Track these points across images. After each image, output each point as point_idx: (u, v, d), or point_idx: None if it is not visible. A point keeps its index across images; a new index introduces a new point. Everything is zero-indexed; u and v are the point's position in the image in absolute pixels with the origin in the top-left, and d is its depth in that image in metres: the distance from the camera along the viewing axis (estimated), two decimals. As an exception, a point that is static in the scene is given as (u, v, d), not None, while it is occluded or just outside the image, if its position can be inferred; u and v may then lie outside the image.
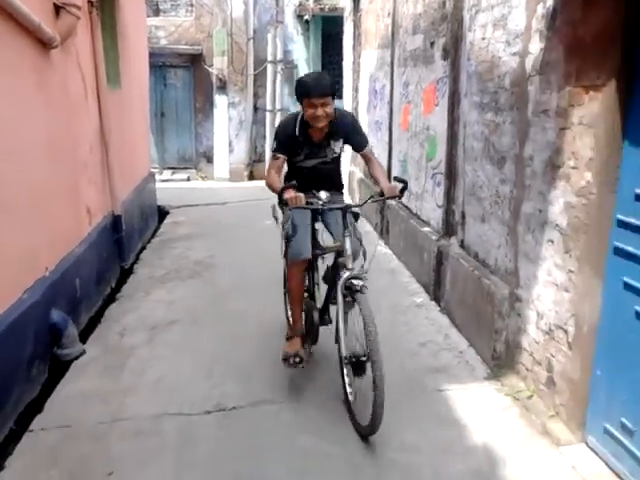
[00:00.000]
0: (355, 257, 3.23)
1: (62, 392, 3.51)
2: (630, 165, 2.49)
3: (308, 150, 3.41)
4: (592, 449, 2.80)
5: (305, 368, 3.47)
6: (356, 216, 3.40)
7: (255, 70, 11.70)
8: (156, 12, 11.80)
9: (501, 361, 3.61)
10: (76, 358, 3.92)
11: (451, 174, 4.49)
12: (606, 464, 2.69)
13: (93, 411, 3.27)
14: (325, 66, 11.48)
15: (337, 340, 3.19)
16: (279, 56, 11.51)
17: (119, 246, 5.70)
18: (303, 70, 11.84)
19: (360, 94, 8.35)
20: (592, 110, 2.63)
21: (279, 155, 3.37)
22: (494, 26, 3.62)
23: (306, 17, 11.29)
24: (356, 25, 8.28)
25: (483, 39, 3.80)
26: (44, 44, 3.89)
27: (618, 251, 2.58)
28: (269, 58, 11.50)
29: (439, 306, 4.66)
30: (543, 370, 3.16)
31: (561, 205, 2.90)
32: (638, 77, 2.45)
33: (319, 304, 3.59)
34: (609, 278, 2.64)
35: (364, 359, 2.90)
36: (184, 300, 5.01)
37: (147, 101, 8.18)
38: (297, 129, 3.32)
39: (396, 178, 3.32)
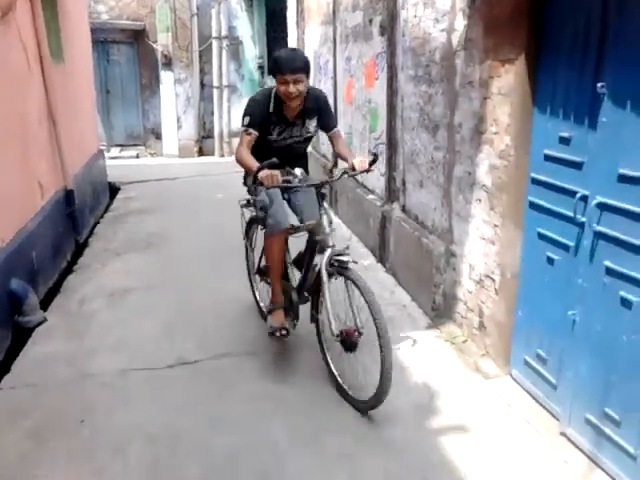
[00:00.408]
0: (314, 218, 3.24)
1: (27, 356, 3.68)
2: (539, 129, 2.85)
3: (281, 128, 3.33)
4: (515, 380, 3.21)
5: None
6: (323, 196, 3.26)
7: (200, 46, 11.69)
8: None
9: (440, 312, 3.98)
10: (38, 325, 4.08)
11: (391, 144, 4.80)
12: (526, 391, 3.09)
13: (59, 370, 3.47)
14: (270, 42, 11.58)
15: (314, 319, 3.27)
16: (224, 32, 11.53)
17: (73, 220, 5.80)
18: (248, 46, 11.91)
19: (306, 69, 8.55)
20: (508, 81, 2.97)
21: (251, 131, 3.22)
22: (424, 4, 3.91)
23: (250, -8, 11.36)
24: (299, 1, 8.44)
25: (415, 17, 4.09)
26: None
27: (533, 205, 2.95)
28: (214, 34, 11.51)
29: (384, 267, 5.01)
30: (475, 316, 3.54)
31: (486, 167, 3.26)
32: (544, 52, 2.79)
33: (294, 283, 3.55)
34: (527, 230, 3.02)
35: (358, 333, 2.89)
36: (140, 270, 5.19)
37: (92, 76, 8.15)
38: (271, 105, 3.23)
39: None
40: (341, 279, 3.00)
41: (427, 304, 4.08)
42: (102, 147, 8.93)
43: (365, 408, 2.97)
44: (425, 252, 4.08)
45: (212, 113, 11.98)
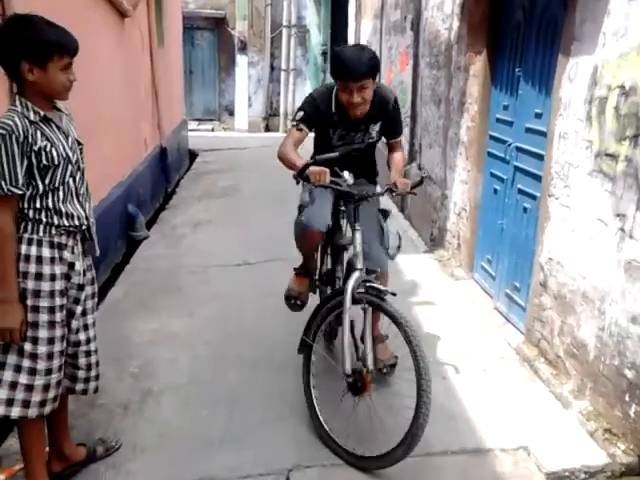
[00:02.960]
0: (376, 263, 2.87)
1: (139, 256, 5.26)
2: (494, 100, 4.13)
3: (343, 131, 2.92)
4: (476, 281, 4.50)
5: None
6: (385, 214, 3.05)
7: (272, 33, 13.19)
8: (185, -21, 13.22)
9: (435, 241, 5.30)
10: (145, 238, 5.68)
11: (414, 116, 6.11)
12: (480, 286, 4.39)
13: (161, 263, 5.03)
14: (334, 32, 12.92)
15: (305, 348, 2.79)
16: (293, 21, 12.99)
17: (165, 171, 7.44)
18: (314, 34, 13.30)
19: (360, 56, 9.87)
20: (478, 67, 4.25)
21: (302, 127, 2.82)
22: (437, 8, 5.18)
23: (318, -14, 12.73)
24: (358, -3, 9.74)
25: (432, 16, 5.37)
26: (122, 14, 5.53)
27: (489, 154, 4.23)
28: (284, 23, 12.99)
29: (403, 215, 6.35)
30: (455, 239, 4.84)
31: (464, 128, 4.54)
32: (498, 48, 4.07)
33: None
34: (485, 171, 4.30)
35: (369, 376, 2.51)
36: (216, 210, 6.73)
37: (181, 59, 9.81)
38: (333, 105, 2.83)
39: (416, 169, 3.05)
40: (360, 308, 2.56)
41: (426, 236, 5.40)
42: (185, 118, 10.60)
43: (369, 465, 2.51)
44: (428, 197, 5.40)
45: (279, 94, 13.49)
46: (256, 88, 13.39)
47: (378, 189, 3.18)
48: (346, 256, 2.99)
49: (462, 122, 4.60)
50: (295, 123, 2.86)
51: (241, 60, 13.25)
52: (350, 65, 2.63)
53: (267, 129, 13.58)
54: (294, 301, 3.21)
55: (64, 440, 2.44)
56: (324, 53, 13.36)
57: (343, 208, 2.98)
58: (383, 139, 3.14)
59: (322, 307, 2.78)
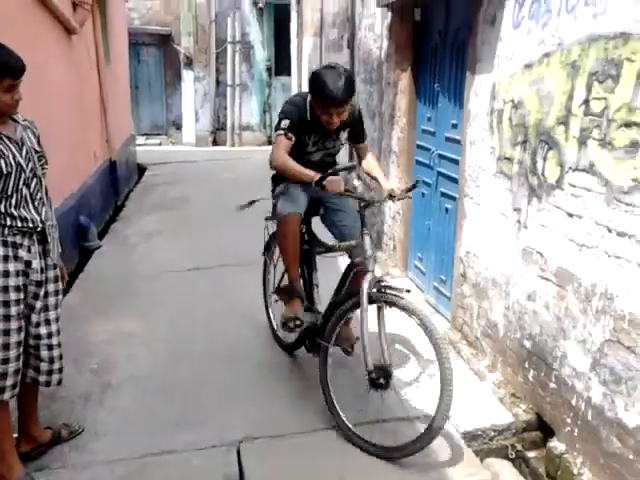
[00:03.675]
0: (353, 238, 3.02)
1: (92, 264, 5.46)
2: (419, 113, 4.58)
3: (316, 138, 3.07)
4: (410, 279, 4.92)
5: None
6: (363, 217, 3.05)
7: (217, 49, 13.49)
8: (129, -4, 13.40)
9: (374, 244, 5.70)
10: (97, 248, 5.88)
11: (352, 128, 6.53)
12: (414, 282, 4.81)
13: (115, 270, 5.25)
14: (277, 47, 13.33)
15: (318, 348, 2.94)
16: (237, 37, 13.34)
17: (114, 185, 7.63)
18: (258, 50, 13.68)
19: (302, 72, 10.30)
20: (404, 83, 4.70)
21: (291, 135, 2.94)
22: (369, 29, 5.64)
23: (260, 5, 13.12)
24: (299, 15, 10.19)
25: (365, 36, 5.82)
26: (69, 31, 5.75)
27: (417, 162, 4.67)
28: (229, 39, 13.32)
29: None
30: (391, 241, 5.27)
31: (395, 139, 4.98)
32: (420, 66, 4.53)
33: (321, 308, 3.23)
34: (414, 178, 4.74)
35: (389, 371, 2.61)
36: (166, 221, 6.96)
37: (127, 74, 10.00)
38: (308, 112, 2.97)
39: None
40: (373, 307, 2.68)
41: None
42: (133, 133, 10.77)
43: (395, 455, 2.64)
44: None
45: (225, 108, 13.77)
46: (202, 102, 13.63)
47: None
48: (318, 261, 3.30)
49: (393, 133, 5.04)
50: (283, 132, 2.95)
51: (187, 75, 13.49)
52: (332, 92, 2.76)
53: (215, 143, 13.83)
54: (293, 323, 3.12)
55: (32, 424, 2.68)
56: (268, 68, 13.77)
57: (322, 213, 3.21)
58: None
59: (334, 310, 2.92)
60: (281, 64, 13.36)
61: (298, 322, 3.11)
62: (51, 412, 3.04)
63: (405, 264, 4.98)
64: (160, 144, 13.84)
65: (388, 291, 2.64)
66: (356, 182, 3.14)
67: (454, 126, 3.89)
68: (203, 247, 5.90)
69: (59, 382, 2.65)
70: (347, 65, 6.61)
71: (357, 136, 3.23)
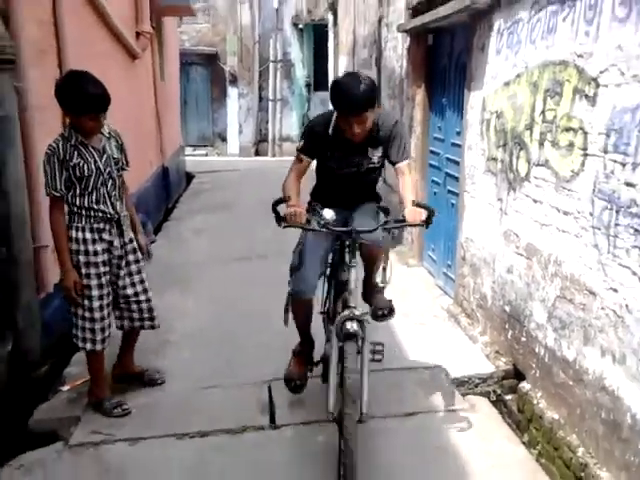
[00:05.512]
0: (370, 239, 2.83)
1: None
2: (432, 123, 5.29)
3: (341, 153, 2.90)
4: (425, 267, 5.60)
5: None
6: (386, 211, 3.15)
7: (260, 67, 14.49)
8: (180, 19, 14.53)
9: (395, 239, 6.39)
10: (152, 242, 6.73)
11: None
12: (428, 271, 5.49)
13: (170, 260, 6.08)
14: (316, 65, 14.23)
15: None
16: (279, 56, 14.33)
17: (166, 188, 8.55)
18: (298, 68, 14.61)
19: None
20: (420, 97, 5.42)
21: (303, 157, 2.93)
22: (393, 50, 6.38)
23: (300, 26, 14.07)
24: (335, 35, 11.03)
25: (389, 56, 6.57)
26: (133, 57, 6.69)
27: (430, 165, 5.37)
28: (271, 58, 14.32)
29: (372, 221, 7.47)
30: (410, 236, 5.96)
31: (413, 146, 5.68)
32: (432, 82, 5.24)
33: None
34: (427, 179, 5.43)
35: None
36: (212, 220, 7.83)
37: (178, 90, 11.01)
38: (330, 127, 2.85)
39: (420, 205, 2.85)
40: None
41: (389, 236, 6.50)
42: (182, 145, 11.76)
43: None
44: (388, 203, 6.50)
45: (267, 122, 14.73)
46: (246, 117, 14.62)
47: (378, 212, 3.21)
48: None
49: (410, 141, 5.74)
50: (297, 154, 2.97)
51: (232, 92, 14.50)
52: (348, 100, 2.66)
53: (257, 153, 14.80)
54: (294, 384, 3.21)
55: (127, 358, 3.51)
56: (308, 85, 14.68)
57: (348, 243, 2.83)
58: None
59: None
60: (320, 80, 14.25)
61: (299, 382, 3.21)
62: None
63: (421, 255, 5.66)
64: (206, 155, 14.88)
65: (344, 328, 2.61)
66: (326, 211, 2.82)
67: (458, 133, 4.58)
68: (244, 243, 6.71)
69: (152, 327, 3.38)
70: (376, 81, 7.37)
71: (392, 154, 2.99)
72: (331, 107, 2.87)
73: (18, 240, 3.24)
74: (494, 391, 3.57)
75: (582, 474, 2.64)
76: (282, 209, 2.82)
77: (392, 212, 3.22)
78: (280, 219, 2.72)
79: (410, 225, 2.84)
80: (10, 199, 3.19)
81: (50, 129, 3.71)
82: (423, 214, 2.75)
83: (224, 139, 15.00)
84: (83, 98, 2.92)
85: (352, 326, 2.59)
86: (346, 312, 2.65)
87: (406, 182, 3.02)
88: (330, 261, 3.07)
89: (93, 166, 3.03)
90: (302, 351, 3.26)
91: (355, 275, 2.73)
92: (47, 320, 3.69)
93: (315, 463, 2.86)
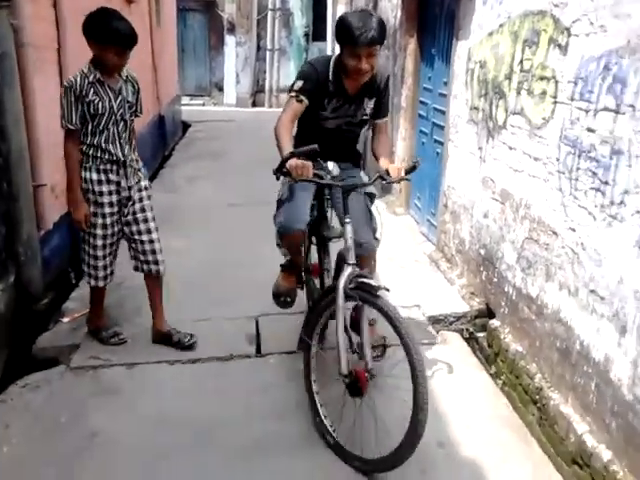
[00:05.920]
0: (366, 250, 2.84)
1: (145, 199, 6.50)
2: (422, 73, 5.38)
3: (337, 104, 2.81)
4: (411, 216, 5.79)
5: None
6: (371, 197, 3.02)
7: (258, 16, 14.29)
8: (177, -36, 14.25)
9: (384, 189, 6.56)
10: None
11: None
12: (414, 219, 5.68)
13: (164, 203, 6.24)
14: (315, 14, 14.05)
15: (303, 345, 2.80)
16: (278, 5, 14.12)
17: (162, 137, 8.64)
18: (297, 17, 14.41)
19: (336, 37, 11.06)
20: (412, 47, 5.49)
21: (302, 98, 2.72)
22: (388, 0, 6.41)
23: (300, -27, 13.86)
24: (334, -17, 10.89)
25: (385, 6, 6.58)
26: (129, 1, 6.68)
27: (419, 115, 5.49)
28: (270, 6, 14.11)
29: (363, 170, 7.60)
30: (398, 185, 6.11)
31: (403, 96, 5.79)
32: (423, 32, 5.31)
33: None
34: (416, 129, 5.56)
35: (369, 376, 2.43)
36: (206, 168, 7.96)
37: (175, 37, 10.93)
38: (331, 73, 2.74)
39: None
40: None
41: (379, 186, 6.65)
42: (178, 94, 11.75)
43: (371, 469, 2.48)
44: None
45: (265, 71, 14.63)
46: (243, 66, 14.51)
47: (362, 174, 3.12)
48: (332, 246, 3.00)
49: (402, 91, 5.84)
50: (294, 94, 2.73)
51: (229, 40, 14.35)
52: (360, 30, 2.49)
53: (254, 104, 14.74)
54: (283, 298, 3.19)
55: (156, 316, 3.52)
56: (306, 34, 14.52)
57: (328, 197, 2.89)
58: None
59: (318, 304, 2.73)
60: (318, 30, 14.08)
61: (289, 299, 3.21)
62: (120, 296, 4.07)
63: (407, 203, 5.84)
64: (203, 104, 14.83)
65: (365, 288, 2.46)
66: (330, 165, 2.73)
67: (445, 84, 4.68)
68: (237, 189, 6.87)
69: (158, 272, 3.37)
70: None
71: (380, 110, 2.97)
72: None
73: (18, 175, 3.40)
74: (467, 329, 3.81)
75: (537, 397, 2.89)
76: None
77: (371, 169, 3.21)
78: (285, 174, 2.50)
79: (396, 181, 2.79)
80: (9, 135, 3.33)
81: (45, 68, 3.83)
82: (403, 169, 2.77)
83: (221, 89, 14.93)
84: (112, 28, 2.94)
85: (375, 283, 2.49)
86: (349, 270, 2.51)
87: (385, 139, 3.11)
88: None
89: (107, 104, 3.06)
90: (291, 266, 3.15)
91: (351, 231, 2.60)
92: (46, 257, 3.89)
93: (299, 386, 3.10)
